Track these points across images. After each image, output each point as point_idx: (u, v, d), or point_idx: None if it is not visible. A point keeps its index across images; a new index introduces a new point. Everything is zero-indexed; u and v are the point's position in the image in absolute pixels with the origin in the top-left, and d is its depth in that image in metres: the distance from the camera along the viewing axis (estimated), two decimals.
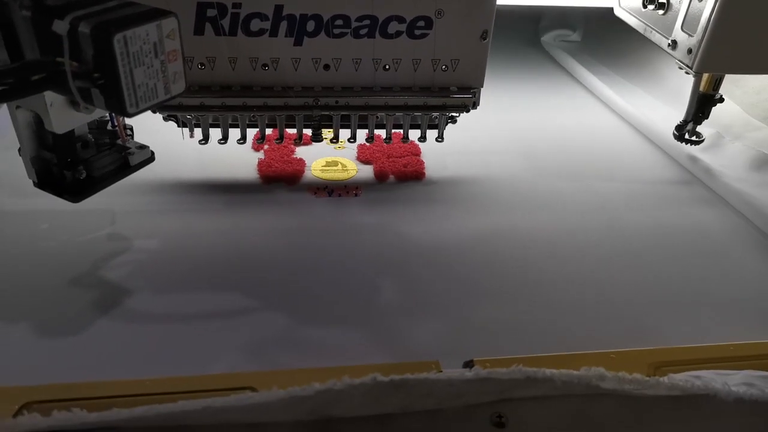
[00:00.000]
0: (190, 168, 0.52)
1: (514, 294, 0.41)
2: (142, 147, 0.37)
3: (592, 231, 0.48)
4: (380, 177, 0.53)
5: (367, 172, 0.54)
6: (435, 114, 0.49)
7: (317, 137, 0.49)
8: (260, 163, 0.53)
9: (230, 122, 0.48)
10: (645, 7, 0.52)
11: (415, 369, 0.30)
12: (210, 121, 0.48)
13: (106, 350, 0.34)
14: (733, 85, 0.66)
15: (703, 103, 0.52)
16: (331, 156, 0.55)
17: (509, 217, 0.49)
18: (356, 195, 0.51)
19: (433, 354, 0.34)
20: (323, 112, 0.46)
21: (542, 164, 0.58)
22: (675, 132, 0.54)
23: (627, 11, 0.56)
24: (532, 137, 0.63)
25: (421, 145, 0.54)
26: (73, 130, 0.33)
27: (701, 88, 0.51)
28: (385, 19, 0.43)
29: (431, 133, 0.51)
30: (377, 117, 0.49)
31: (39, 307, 0.37)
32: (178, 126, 0.47)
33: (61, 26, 0.26)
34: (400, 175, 0.53)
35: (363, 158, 0.55)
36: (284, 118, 0.48)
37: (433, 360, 0.33)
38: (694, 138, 0.54)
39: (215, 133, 0.48)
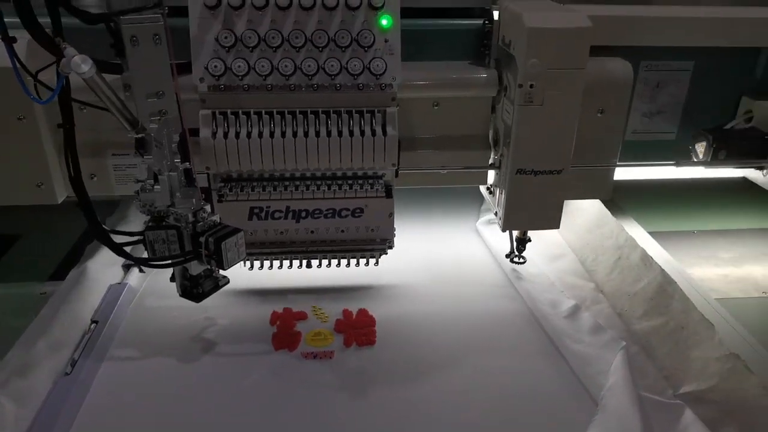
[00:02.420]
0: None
1: None
2: (224, 277, 0.82)
3: None
4: (347, 343, 0.85)
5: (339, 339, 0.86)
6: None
7: (308, 265, 0.93)
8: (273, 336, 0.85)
9: (264, 258, 0.93)
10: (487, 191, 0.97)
11: None
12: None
13: None
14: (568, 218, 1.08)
15: (519, 242, 0.95)
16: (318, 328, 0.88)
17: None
18: (330, 358, 0.82)
19: None
20: (310, 254, 0.91)
21: None
22: (506, 256, 0.97)
23: (486, 193, 1.00)
24: None
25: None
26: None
27: (516, 233, 0.95)
28: (339, 209, 0.87)
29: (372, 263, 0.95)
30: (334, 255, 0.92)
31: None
32: None
33: (202, 238, 0.71)
34: (360, 342, 0.85)
35: (338, 329, 0.87)
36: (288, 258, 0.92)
37: None
38: (520, 261, 0.97)
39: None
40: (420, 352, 0.84)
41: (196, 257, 0.73)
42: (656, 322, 0.82)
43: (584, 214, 1.07)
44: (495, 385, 0.77)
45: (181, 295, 0.80)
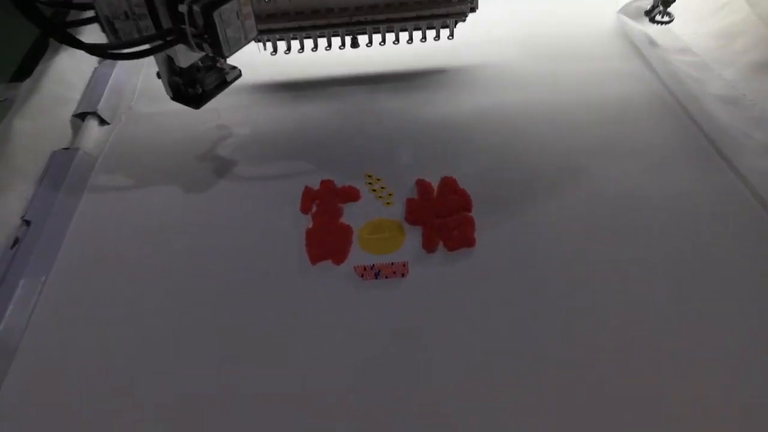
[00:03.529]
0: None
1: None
2: (233, 68, 0.56)
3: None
4: (429, 246, 0.49)
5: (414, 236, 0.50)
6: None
7: (354, 44, 0.65)
8: (307, 237, 0.50)
9: (291, 36, 0.65)
10: None
11: None
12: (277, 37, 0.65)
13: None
14: None
15: None
16: (377, 217, 0.51)
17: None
18: (403, 276, 0.47)
19: None
20: (356, 27, 0.62)
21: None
22: (646, 15, 0.66)
23: None
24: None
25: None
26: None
27: None
28: None
29: (444, 33, 0.66)
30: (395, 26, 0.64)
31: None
32: (256, 42, 0.64)
33: (182, 7, 0.44)
34: (451, 245, 0.49)
35: (411, 218, 0.51)
36: (330, 34, 0.64)
37: None
38: (665, 19, 0.66)
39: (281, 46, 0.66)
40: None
41: (180, 39, 0.46)
42: None
43: None
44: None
45: (173, 98, 0.55)
